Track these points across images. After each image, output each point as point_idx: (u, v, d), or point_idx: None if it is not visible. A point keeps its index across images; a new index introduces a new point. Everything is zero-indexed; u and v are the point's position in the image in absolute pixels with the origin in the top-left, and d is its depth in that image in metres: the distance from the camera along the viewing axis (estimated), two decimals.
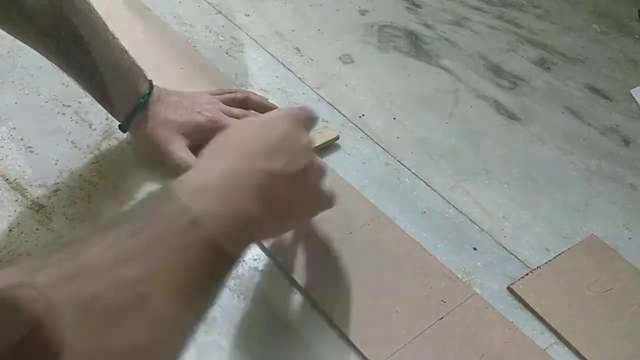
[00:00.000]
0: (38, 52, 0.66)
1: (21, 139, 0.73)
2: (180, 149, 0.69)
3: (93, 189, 0.68)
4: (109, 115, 0.75)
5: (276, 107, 0.79)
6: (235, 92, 0.78)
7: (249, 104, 0.77)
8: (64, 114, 0.77)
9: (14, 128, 0.74)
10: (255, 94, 0.79)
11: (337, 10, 1.09)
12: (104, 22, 0.67)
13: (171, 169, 0.68)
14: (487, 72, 0.98)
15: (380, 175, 0.77)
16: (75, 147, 0.73)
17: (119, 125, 0.70)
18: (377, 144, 0.83)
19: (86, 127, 0.76)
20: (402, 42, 1.03)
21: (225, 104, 0.74)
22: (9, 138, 0.73)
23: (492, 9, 1.13)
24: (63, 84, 0.82)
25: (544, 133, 0.88)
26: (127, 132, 0.71)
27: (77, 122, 0.76)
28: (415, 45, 1.02)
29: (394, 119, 0.88)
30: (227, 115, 0.72)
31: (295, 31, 1.03)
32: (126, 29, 0.77)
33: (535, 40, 1.06)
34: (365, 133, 0.84)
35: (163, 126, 0.69)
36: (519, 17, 1.12)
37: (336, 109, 0.87)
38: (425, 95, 0.93)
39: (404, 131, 0.86)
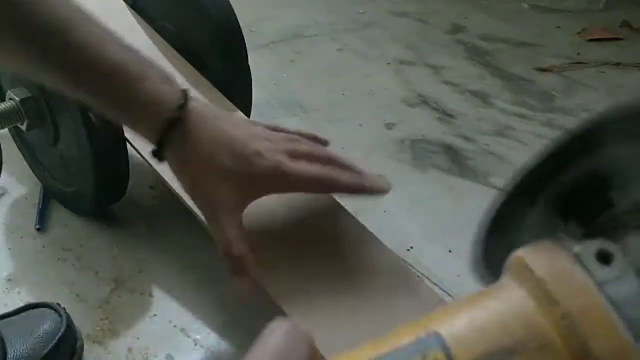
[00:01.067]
0: (12, 68, 0.56)
1: (18, 293, 0.66)
2: (229, 232, 0.52)
3: (104, 352, 0.59)
4: (118, 260, 0.70)
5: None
6: (300, 138, 0.60)
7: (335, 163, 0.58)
8: (64, 260, 0.71)
9: (9, 280, 0.68)
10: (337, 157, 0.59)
11: (360, 125, 0.98)
12: (88, 11, 0.50)
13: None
14: None
15: None
16: (81, 300, 0.64)
17: (153, 151, 0.53)
18: (436, 284, 0.68)
19: (92, 275, 0.68)
20: (440, 158, 0.90)
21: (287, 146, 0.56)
22: (3, 292, 0.66)
23: (537, 116, 1.01)
24: (62, 225, 0.75)
25: None
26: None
27: (80, 270, 0.69)
28: (457, 162, 0.89)
29: (450, 252, 0.73)
30: (293, 161, 0.54)
31: None
32: None
33: None
34: (418, 271, 0.69)
35: (207, 174, 0.52)
36: (570, 123, 0.99)
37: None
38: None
39: (464, 268, 0.70)
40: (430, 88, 1.09)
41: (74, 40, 0.49)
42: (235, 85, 0.77)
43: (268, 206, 0.59)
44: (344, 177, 0.57)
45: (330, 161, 0.58)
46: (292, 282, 0.55)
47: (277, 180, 0.54)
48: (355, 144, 0.92)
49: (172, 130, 0.51)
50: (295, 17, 1.24)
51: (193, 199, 0.54)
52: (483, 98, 1.07)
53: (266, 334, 0.26)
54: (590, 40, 1.28)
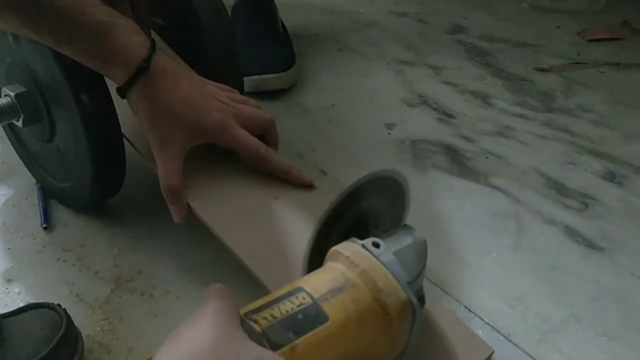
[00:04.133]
0: (3, 29, 0.63)
1: (18, 293, 0.66)
2: (171, 165, 0.64)
3: (104, 352, 0.60)
4: (118, 260, 0.71)
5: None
6: (246, 101, 0.72)
7: (268, 131, 0.71)
8: (65, 260, 0.71)
9: (9, 280, 0.68)
10: (272, 123, 0.72)
11: (360, 125, 0.97)
12: None
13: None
14: (549, 190, 0.84)
15: None
16: (81, 300, 0.65)
17: (117, 89, 0.63)
18: (435, 283, 0.69)
19: (92, 275, 0.68)
20: (440, 158, 0.90)
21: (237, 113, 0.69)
22: (3, 292, 0.66)
23: (537, 116, 1.01)
24: (62, 225, 0.75)
25: (637, 266, 0.72)
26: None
27: (80, 270, 0.69)
28: (457, 162, 0.89)
29: (450, 252, 0.72)
30: (239, 123, 0.67)
31: (317, 151, 0.90)
32: None
33: (597, 150, 0.93)
34: None
35: (164, 117, 0.63)
36: (570, 123, 0.99)
37: None
38: (481, 222, 0.78)
39: (463, 268, 0.71)
40: (430, 88, 1.09)
41: (53, 4, 0.57)
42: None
43: (211, 153, 0.68)
44: (275, 158, 0.68)
45: (268, 129, 0.70)
46: (224, 211, 0.65)
47: (220, 135, 0.65)
48: (355, 144, 0.92)
49: (138, 77, 0.61)
50: (295, 17, 1.24)
51: (147, 134, 0.64)
52: (483, 98, 1.07)
53: (212, 287, 0.44)
54: (590, 40, 1.28)
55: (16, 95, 0.69)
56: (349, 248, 0.48)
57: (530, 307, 0.66)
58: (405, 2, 1.43)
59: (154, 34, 0.74)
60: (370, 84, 1.10)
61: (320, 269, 0.49)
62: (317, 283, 0.46)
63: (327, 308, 0.44)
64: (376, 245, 0.48)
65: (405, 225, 0.55)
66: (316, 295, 0.45)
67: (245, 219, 0.65)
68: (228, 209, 0.65)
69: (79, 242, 0.73)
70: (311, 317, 0.43)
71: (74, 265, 0.70)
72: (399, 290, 0.46)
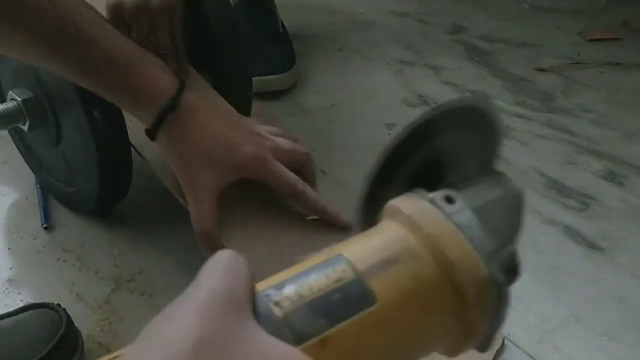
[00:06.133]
0: (27, 60, 0.58)
1: (18, 293, 0.66)
2: (203, 208, 0.60)
3: (104, 352, 0.59)
4: (118, 260, 0.70)
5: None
6: (283, 134, 0.68)
7: (304, 166, 0.67)
8: (65, 260, 0.71)
9: (10, 280, 0.68)
10: (308, 157, 0.68)
11: (360, 125, 0.97)
12: (96, 11, 0.57)
13: None
14: (549, 190, 0.84)
15: None
16: (81, 300, 0.65)
17: (146, 130, 0.60)
18: None
19: (92, 275, 0.69)
20: None
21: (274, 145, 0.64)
22: (3, 292, 0.66)
23: (538, 116, 1.01)
24: (62, 225, 0.75)
25: (637, 266, 0.72)
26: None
27: (80, 270, 0.69)
28: None
29: None
30: (276, 157, 0.63)
31: (317, 151, 0.90)
32: None
33: (597, 150, 0.93)
34: None
35: (194, 158, 0.60)
36: (570, 123, 0.99)
37: None
38: None
39: None
40: (430, 88, 1.09)
41: (82, 33, 0.53)
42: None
43: (242, 190, 0.65)
44: (312, 195, 0.63)
45: (304, 163, 0.66)
46: (257, 257, 0.60)
47: (255, 169, 0.61)
48: (355, 144, 0.92)
49: (166, 116, 0.58)
50: (295, 17, 1.24)
51: (179, 178, 0.61)
52: None
53: (214, 257, 0.31)
54: (590, 40, 1.28)
55: (23, 101, 0.68)
56: (412, 203, 0.34)
57: (530, 307, 0.66)
58: (405, 2, 1.43)
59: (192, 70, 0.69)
60: (370, 84, 1.10)
61: (369, 231, 0.35)
62: (364, 251, 0.33)
63: (376, 286, 0.31)
64: (449, 199, 0.34)
65: (494, 171, 0.40)
66: (361, 268, 0.31)
67: (279, 266, 0.63)
68: (262, 253, 0.62)
69: (79, 242, 0.73)
70: (352, 298, 0.30)
71: (74, 265, 0.70)
72: (478, 264, 0.32)
